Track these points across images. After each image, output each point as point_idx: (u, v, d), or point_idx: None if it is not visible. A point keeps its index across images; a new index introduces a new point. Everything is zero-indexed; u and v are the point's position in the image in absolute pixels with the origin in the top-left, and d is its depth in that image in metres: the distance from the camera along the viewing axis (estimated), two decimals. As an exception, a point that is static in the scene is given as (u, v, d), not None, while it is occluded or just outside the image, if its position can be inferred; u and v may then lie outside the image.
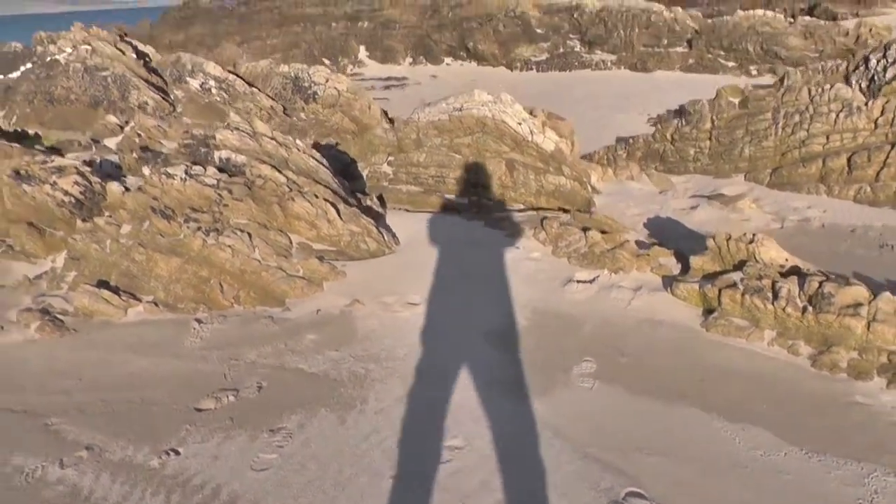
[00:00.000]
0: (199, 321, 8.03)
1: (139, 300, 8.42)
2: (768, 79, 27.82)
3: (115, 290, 8.44)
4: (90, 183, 9.76)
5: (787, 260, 7.72)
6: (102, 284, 8.51)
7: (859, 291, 6.75)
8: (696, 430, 5.77)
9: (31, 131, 17.44)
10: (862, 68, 16.72)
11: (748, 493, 5.01)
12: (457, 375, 6.62)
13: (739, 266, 7.76)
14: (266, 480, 5.28)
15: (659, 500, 4.92)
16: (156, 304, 8.37)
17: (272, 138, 9.63)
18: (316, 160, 9.75)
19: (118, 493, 5.24)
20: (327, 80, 17.30)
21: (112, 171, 10.65)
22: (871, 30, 31.41)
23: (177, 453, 5.66)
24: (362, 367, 6.87)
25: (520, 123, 11.56)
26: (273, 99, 17.48)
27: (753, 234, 7.93)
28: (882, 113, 12.85)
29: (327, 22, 43.85)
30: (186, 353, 7.39)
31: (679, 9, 36.52)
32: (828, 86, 13.52)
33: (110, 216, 9.16)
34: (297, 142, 9.86)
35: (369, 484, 5.18)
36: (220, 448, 5.70)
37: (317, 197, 9.06)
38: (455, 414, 6.01)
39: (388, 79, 34.81)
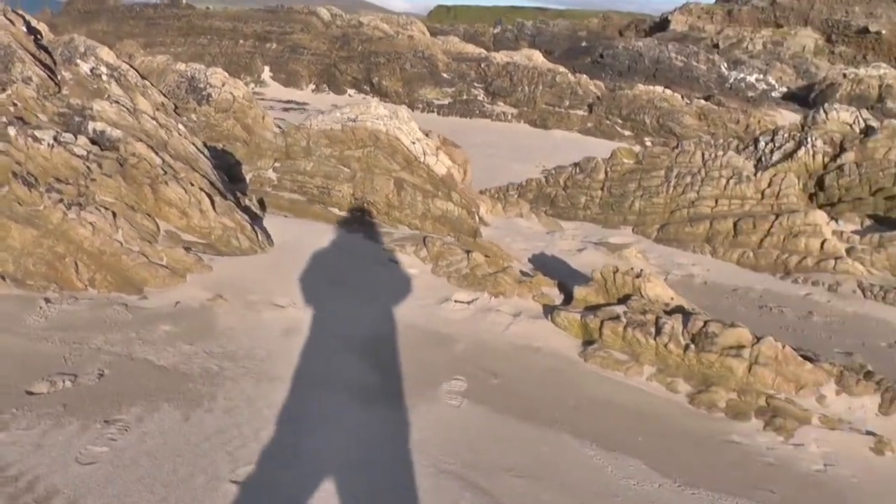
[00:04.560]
0: (47, 300, 7.21)
1: (-15, 272, 7.56)
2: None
3: (-39, 259, 7.56)
4: (-54, 142, 8.82)
5: (672, 298, 7.59)
6: (-53, 252, 7.61)
7: (743, 334, 6.65)
8: (566, 457, 5.49)
9: None
10: (751, 148, 17.25)
11: (614, 521, 4.71)
12: (316, 381, 6.15)
13: (624, 300, 7.57)
14: (90, 476, 4.61)
15: (523, 524, 4.55)
16: (2, 278, 7.52)
17: (153, 118, 8.97)
18: (197, 148, 9.13)
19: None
20: (223, 84, 16.58)
21: (-25, 136, 9.71)
22: (759, 121, 32.76)
23: (-5, 440, 4.91)
24: (216, 363, 6.27)
25: (413, 142, 11.24)
26: (165, 96, 16.64)
27: (641, 269, 7.76)
28: (769, 185, 13.19)
29: (235, 38, 42.89)
30: (27, 331, 6.55)
31: (584, 75, 37.38)
32: (721, 153, 13.80)
33: (-34, 179, 8.27)
34: (180, 125, 9.23)
35: (205, 486, 4.61)
36: (45, 436, 4.97)
37: (192, 185, 8.43)
38: (309, 419, 5.53)
39: (289, 102, 34.12)
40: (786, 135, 16.40)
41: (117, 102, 8.96)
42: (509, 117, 33.53)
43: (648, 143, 30.64)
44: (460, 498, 4.72)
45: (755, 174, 13.41)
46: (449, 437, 5.49)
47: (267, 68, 40.15)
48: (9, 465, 4.64)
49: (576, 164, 15.93)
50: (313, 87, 38.65)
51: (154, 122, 8.98)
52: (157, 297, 7.55)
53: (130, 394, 5.63)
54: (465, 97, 35.09)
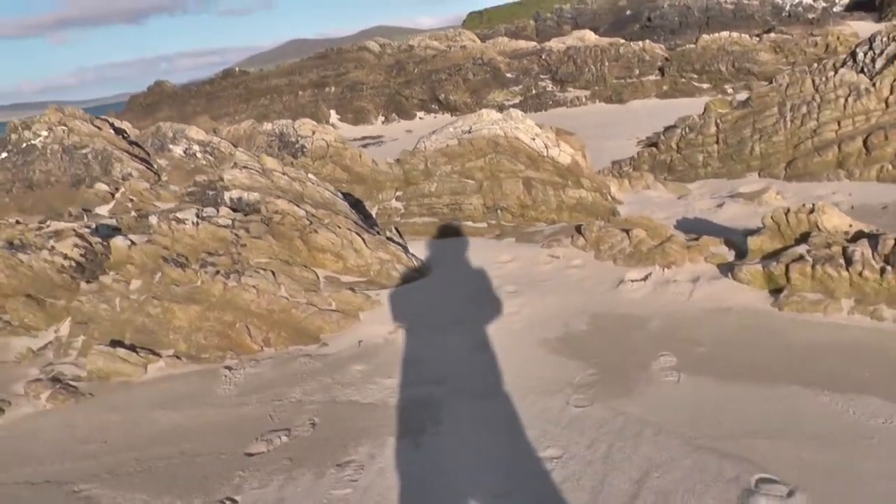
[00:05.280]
0: (229, 368, 7.36)
1: (159, 355, 7.76)
2: (745, 95, 27.81)
3: (132, 349, 7.79)
4: (90, 244, 9.16)
5: (850, 225, 7.26)
6: (116, 344, 7.84)
7: (943, 242, 6.29)
8: (803, 407, 5.23)
9: (12, 220, 16.76)
10: (850, 63, 16.59)
11: (884, 463, 4.45)
12: (528, 387, 6.05)
13: (802, 239, 7.29)
14: (340, 519, 4.62)
15: (793, 483, 4.33)
16: (178, 357, 7.71)
17: (284, 173, 9.12)
18: (332, 192, 9.24)
19: (177, 551, 4.59)
20: (314, 133, 16.83)
21: (110, 234, 10.06)
22: (838, 38, 31.63)
23: (234, 502, 4.97)
24: (423, 390, 6.27)
25: (533, 139, 11.15)
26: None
27: (813, 204, 7.47)
28: (892, 91, 12.60)
29: (293, 91, 43.75)
30: (221, 401, 6.67)
31: (646, 40, 36.81)
32: (832, 73, 13.28)
33: (116, 274, 8.55)
34: (310, 175, 9.36)
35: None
36: (283, 490, 5.03)
37: (339, 228, 8.53)
38: (539, 424, 5.42)
39: (364, 138, 34.50)
40: (884, 38, 15.72)
41: (246, 167, 9.14)
42: (583, 100, 33.23)
43: (729, 91, 29.92)
44: (723, 470, 4.55)
45: (873, 84, 12.85)
46: (681, 414, 5.33)
47: (333, 112, 40.71)
48: (258, 525, 4.68)
49: (672, 128, 15.60)
50: (382, 118, 38.99)
51: (286, 178, 9.13)
52: (337, 342, 7.63)
53: (351, 435, 5.65)
54: (534, 92, 34.95)
